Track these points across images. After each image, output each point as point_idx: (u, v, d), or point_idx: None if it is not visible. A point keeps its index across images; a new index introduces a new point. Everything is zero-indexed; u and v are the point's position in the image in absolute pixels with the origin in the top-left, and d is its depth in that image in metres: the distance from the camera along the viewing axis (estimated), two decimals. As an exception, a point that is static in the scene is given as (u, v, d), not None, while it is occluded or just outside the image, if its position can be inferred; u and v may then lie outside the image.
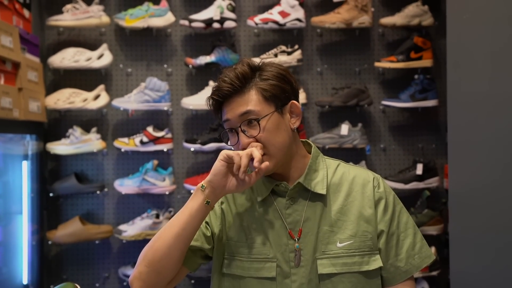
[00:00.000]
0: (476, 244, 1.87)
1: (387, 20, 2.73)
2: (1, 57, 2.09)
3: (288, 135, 1.22)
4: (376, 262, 1.21)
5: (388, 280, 1.24)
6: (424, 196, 2.67)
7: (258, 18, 2.67)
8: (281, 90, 1.21)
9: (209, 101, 1.25)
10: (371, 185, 1.26)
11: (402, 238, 1.24)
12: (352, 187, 1.25)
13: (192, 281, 2.68)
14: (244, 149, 1.19)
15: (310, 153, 1.28)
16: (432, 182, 2.71)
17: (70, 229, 2.58)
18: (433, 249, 2.66)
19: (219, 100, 1.22)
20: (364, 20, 2.69)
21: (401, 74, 2.82)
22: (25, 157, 2.56)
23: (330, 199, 1.24)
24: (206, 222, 1.25)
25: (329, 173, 1.26)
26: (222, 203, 1.27)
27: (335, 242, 1.21)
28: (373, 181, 1.27)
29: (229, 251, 1.25)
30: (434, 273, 2.65)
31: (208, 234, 1.25)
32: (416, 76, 2.73)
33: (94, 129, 2.64)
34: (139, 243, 2.65)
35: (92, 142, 2.62)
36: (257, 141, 1.19)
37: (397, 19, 2.72)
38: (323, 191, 1.23)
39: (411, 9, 2.71)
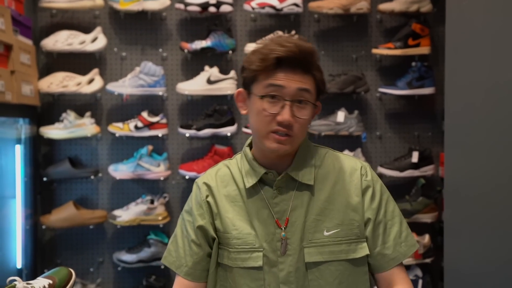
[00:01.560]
0: (470, 232, 1.87)
1: (385, 6, 2.70)
2: (-8, 39, 2.05)
3: (307, 128, 1.23)
4: (363, 250, 1.21)
5: (376, 268, 1.24)
6: (419, 184, 2.68)
7: (255, 3, 2.63)
8: (324, 88, 1.23)
9: (262, 56, 1.15)
10: (358, 173, 1.25)
11: (389, 226, 1.24)
12: (339, 176, 1.25)
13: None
14: (283, 122, 1.15)
15: None
16: (428, 170, 2.71)
17: (64, 214, 2.57)
18: (427, 236, 2.67)
19: (281, 62, 1.15)
20: (362, 6, 2.66)
21: (398, 61, 2.80)
22: (18, 141, 2.53)
23: (318, 188, 1.23)
24: (199, 227, 1.25)
25: (316, 162, 1.26)
26: (207, 196, 1.26)
27: (322, 230, 1.21)
28: (360, 169, 1.26)
29: (220, 242, 1.25)
30: (428, 260, 2.67)
31: (204, 242, 1.25)
32: (413, 64, 2.71)
33: (88, 114, 2.61)
34: (134, 228, 2.65)
35: (86, 126, 2.59)
36: (290, 124, 1.16)
37: (395, 5, 2.69)
38: (311, 182, 1.23)
39: (409, -5, 2.68)
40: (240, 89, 1.25)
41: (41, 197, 2.68)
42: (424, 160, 2.71)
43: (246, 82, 1.22)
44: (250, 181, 1.24)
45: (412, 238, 1.26)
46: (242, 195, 1.24)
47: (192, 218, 1.27)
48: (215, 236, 1.25)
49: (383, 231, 1.23)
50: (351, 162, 1.28)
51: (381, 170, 2.71)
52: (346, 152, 2.70)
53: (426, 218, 2.69)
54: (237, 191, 1.25)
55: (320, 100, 1.24)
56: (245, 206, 1.24)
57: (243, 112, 1.25)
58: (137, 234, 2.68)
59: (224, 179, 1.27)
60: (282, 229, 1.21)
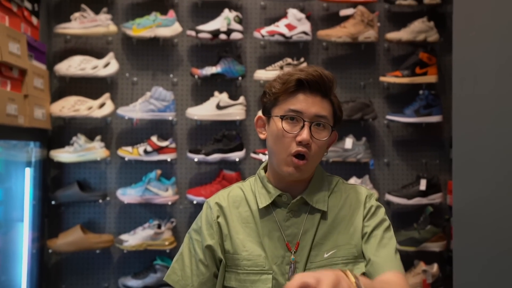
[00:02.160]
0: (480, 262, 1.85)
1: (393, 35, 2.74)
2: (8, 63, 2.09)
3: (323, 155, 1.26)
4: (359, 270, 1.21)
5: (369, 274, 1.20)
6: (427, 212, 2.66)
7: (264, 30, 2.68)
8: (341, 116, 1.27)
9: (283, 81, 1.20)
10: (363, 198, 1.28)
11: (384, 243, 1.22)
12: (346, 202, 1.27)
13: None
14: (301, 141, 1.17)
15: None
16: (436, 198, 2.70)
17: (71, 238, 2.56)
18: (435, 266, 2.64)
19: (301, 87, 1.19)
20: (370, 34, 2.71)
21: (406, 89, 2.82)
22: (28, 164, 2.55)
23: (327, 214, 1.25)
24: (208, 247, 1.25)
25: (329, 189, 1.28)
26: (218, 216, 1.27)
27: (323, 253, 1.22)
28: (366, 195, 1.28)
29: (227, 264, 1.25)
30: (437, 290, 2.63)
31: (211, 262, 1.25)
32: (421, 92, 2.74)
33: (98, 137, 2.64)
34: (140, 253, 2.63)
35: (96, 150, 2.61)
36: (308, 144, 1.19)
37: (402, 34, 2.73)
38: (324, 208, 1.25)
39: (417, 25, 2.73)
40: (260, 115, 1.29)
41: (49, 220, 2.68)
42: (432, 188, 2.70)
43: (266, 107, 1.26)
44: (263, 202, 1.25)
45: (402, 267, 1.23)
46: (254, 216, 1.25)
47: (201, 238, 1.27)
48: (222, 258, 1.25)
49: (378, 243, 1.21)
50: (359, 189, 1.30)
51: (389, 197, 2.70)
52: (354, 178, 2.70)
53: (435, 247, 2.67)
54: (249, 212, 1.26)
55: (336, 129, 1.27)
56: (256, 228, 1.24)
57: (262, 136, 1.28)
58: (143, 259, 2.66)
59: (236, 199, 1.29)
60: (292, 252, 1.21)
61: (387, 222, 1.26)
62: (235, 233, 1.25)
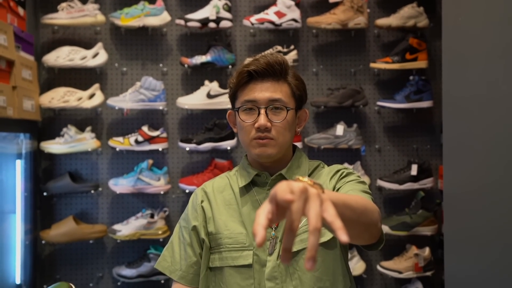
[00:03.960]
0: (470, 245, 1.87)
1: (382, 21, 2.74)
2: (-5, 55, 2.07)
3: (292, 135, 1.29)
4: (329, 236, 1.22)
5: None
6: (418, 196, 2.69)
7: (254, 18, 2.67)
8: (303, 95, 1.31)
9: (236, 75, 1.26)
10: (335, 167, 1.31)
11: (352, 186, 1.22)
12: (320, 173, 1.31)
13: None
14: (259, 127, 1.22)
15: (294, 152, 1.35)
16: (427, 183, 2.72)
17: (64, 229, 2.56)
18: (427, 249, 2.67)
19: (252, 76, 1.25)
20: (360, 21, 2.70)
21: (396, 75, 2.83)
22: (19, 156, 2.54)
23: None
24: (193, 228, 1.30)
25: (309, 169, 1.32)
26: (202, 201, 1.33)
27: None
28: (339, 168, 1.30)
29: (211, 246, 1.29)
30: (428, 273, 2.66)
31: (196, 244, 1.30)
32: (411, 77, 2.74)
33: (88, 128, 2.63)
34: (133, 242, 2.64)
35: (87, 141, 2.60)
36: (267, 128, 1.22)
37: (392, 20, 2.73)
38: None
39: (406, 10, 2.72)
40: (230, 110, 1.34)
41: (41, 212, 2.68)
42: (423, 173, 2.72)
43: (231, 102, 1.32)
44: (243, 181, 1.31)
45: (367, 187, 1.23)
46: (237, 198, 1.31)
47: (187, 223, 1.33)
48: (205, 239, 1.29)
49: (343, 183, 1.23)
50: (335, 166, 1.33)
51: (381, 183, 2.72)
52: (345, 165, 2.72)
53: (426, 231, 2.70)
54: (232, 195, 1.32)
55: (306, 105, 1.32)
56: (238, 209, 1.29)
57: (235, 130, 1.34)
58: (137, 249, 2.67)
59: (220, 185, 1.35)
60: (272, 228, 1.24)
61: (353, 175, 1.25)
62: (218, 214, 1.30)
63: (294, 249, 1.21)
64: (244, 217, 1.28)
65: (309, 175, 1.31)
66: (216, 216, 1.30)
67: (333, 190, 1.25)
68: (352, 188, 1.20)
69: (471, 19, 1.89)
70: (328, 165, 1.35)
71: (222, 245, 1.27)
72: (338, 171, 1.29)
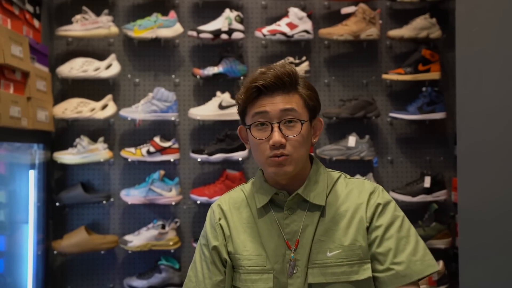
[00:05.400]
0: (485, 259, 1.84)
1: (395, 33, 2.73)
2: (11, 66, 2.10)
3: (308, 148, 1.24)
4: (366, 272, 1.18)
5: (384, 283, 1.18)
6: (432, 209, 2.65)
7: (266, 30, 2.68)
8: (317, 104, 1.26)
9: (245, 90, 1.21)
10: (367, 192, 1.24)
11: (403, 244, 1.19)
12: (348, 197, 1.24)
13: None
14: (274, 144, 1.17)
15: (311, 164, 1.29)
16: (440, 195, 2.69)
17: (76, 239, 2.57)
18: (441, 263, 2.63)
19: (261, 90, 1.19)
20: (372, 32, 2.70)
21: (408, 87, 2.81)
22: (32, 166, 2.56)
23: (327, 209, 1.23)
24: (214, 248, 1.26)
25: (328, 184, 1.26)
26: (219, 219, 1.28)
27: (325, 251, 1.20)
28: (371, 190, 1.25)
29: (233, 265, 1.26)
30: (442, 287, 2.62)
31: (219, 263, 1.27)
32: (424, 89, 2.73)
33: (101, 139, 2.64)
34: (145, 253, 2.64)
35: (99, 151, 2.62)
36: (282, 144, 1.18)
37: (405, 31, 2.72)
38: (322, 203, 1.23)
39: (419, 21, 2.72)
40: (241, 126, 1.29)
41: (53, 222, 2.69)
42: (436, 185, 2.69)
43: (241, 118, 1.27)
44: (261, 202, 1.26)
45: (431, 259, 1.20)
46: (254, 216, 1.26)
47: (207, 241, 1.29)
48: (227, 258, 1.26)
49: (395, 247, 1.18)
50: (362, 184, 1.27)
51: (393, 195, 2.69)
52: (358, 176, 2.69)
53: (440, 244, 2.66)
54: (250, 213, 1.27)
55: (318, 116, 1.27)
56: (256, 228, 1.25)
57: (247, 147, 1.28)
58: (148, 260, 2.66)
59: (237, 201, 1.30)
60: (292, 250, 1.21)
61: (399, 219, 1.21)
62: (236, 234, 1.26)
63: (324, 280, 1.18)
64: (263, 238, 1.23)
65: (329, 192, 1.25)
66: (234, 235, 1.26)
67: (369, 223, 1.20)
68: (407, 266, 1.15)
69: (485, 30, 1.87)
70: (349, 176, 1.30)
71: (241, 267, 1.24)
72: (372, 197, 1.22)
